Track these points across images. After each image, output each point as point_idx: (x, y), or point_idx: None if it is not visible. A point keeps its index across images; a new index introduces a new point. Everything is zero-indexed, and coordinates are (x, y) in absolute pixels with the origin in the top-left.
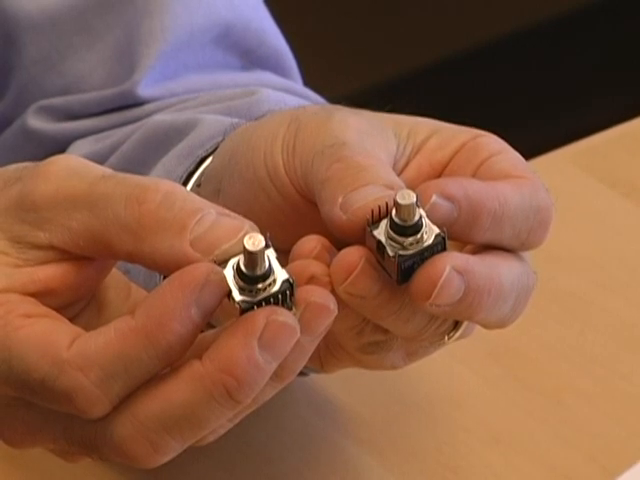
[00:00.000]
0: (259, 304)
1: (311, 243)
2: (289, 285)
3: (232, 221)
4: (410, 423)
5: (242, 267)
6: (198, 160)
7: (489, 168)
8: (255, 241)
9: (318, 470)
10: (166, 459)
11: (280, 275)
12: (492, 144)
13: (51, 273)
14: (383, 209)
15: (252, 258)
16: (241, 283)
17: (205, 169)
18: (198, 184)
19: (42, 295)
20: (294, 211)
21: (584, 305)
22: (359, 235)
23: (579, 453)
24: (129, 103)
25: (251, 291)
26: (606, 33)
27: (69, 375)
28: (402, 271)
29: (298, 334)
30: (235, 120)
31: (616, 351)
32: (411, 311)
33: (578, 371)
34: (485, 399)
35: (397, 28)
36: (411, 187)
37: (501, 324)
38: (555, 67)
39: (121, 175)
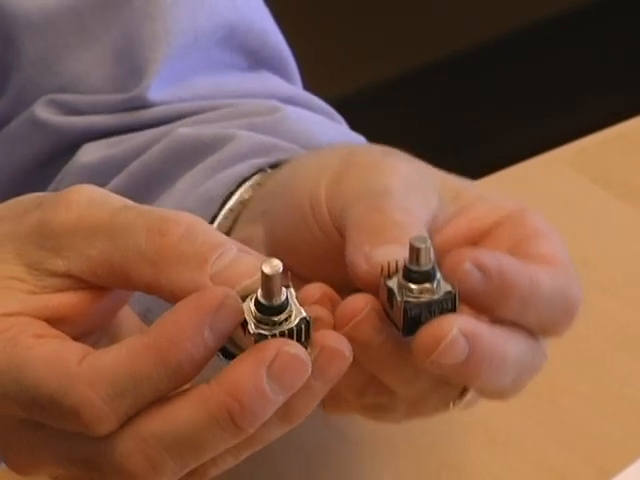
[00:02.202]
0: (274, 337)
1: (314, 290)
2: (306, 322)
3: (253, 258)
4: (406, 422)
5: (259, 297)
6: (254, 170)
7: (528, 247)
8: (272, 264)
9: (313, 470)
10: None
11: (298, 313)
12: (537, 222)
13: (65, 300)
14: (400, 263)
15: (269, 282)
16: (258, 315)
17: (261, 179)
18: (241, 201)
19: (55, 322)
20: (333, 248)
21: (580, 307)
22: (375, 287)
23: (575, 454)
24: (138, 107)
25: (267, 324)
26: (604, 33)
27: (78, 390)
28: (408, 320)
29: (309, 370)
30: (301, 150)
31: (612, 353)
32: (414, 372)
33: (574, 373)
34: (482, 399)
35: (396, 28)
36: (445, 248)
37: (499, 396)
38: (553, 67)
39: (142, 206)
